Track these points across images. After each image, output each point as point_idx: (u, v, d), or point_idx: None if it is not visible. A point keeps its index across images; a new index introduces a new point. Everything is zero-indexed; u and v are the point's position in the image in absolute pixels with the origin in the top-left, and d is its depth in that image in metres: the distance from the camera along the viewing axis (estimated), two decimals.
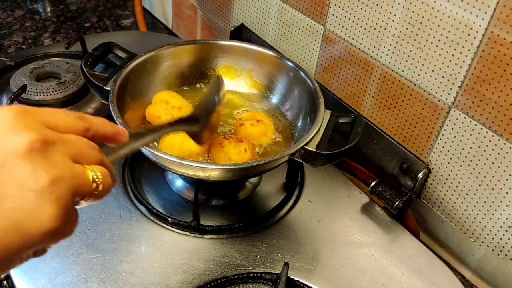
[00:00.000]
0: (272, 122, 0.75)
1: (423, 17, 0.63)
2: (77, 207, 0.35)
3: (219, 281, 0.61)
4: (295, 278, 0.62)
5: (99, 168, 0.35)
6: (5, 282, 0.61)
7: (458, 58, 0.62)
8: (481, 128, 0.62)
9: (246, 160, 0.66)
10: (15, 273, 0.60)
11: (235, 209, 0.73)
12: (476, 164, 0.64)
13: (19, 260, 0.32)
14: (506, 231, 0.64)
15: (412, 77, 0.68)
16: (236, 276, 0.61)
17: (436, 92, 0.66)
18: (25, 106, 0.34)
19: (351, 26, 0.74)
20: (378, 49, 0.71)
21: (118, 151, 0.41)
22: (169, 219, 0.68)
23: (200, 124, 0.60)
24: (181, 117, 0.59)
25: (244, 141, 0.68)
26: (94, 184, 0.34)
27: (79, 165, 0.34)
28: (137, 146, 0.44)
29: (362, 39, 0.73)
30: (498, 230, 0.65)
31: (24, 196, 0.30)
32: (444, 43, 0.62)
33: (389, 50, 0.70)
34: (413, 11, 0.64)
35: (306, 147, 0.63)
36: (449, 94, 0.64)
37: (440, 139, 0.68)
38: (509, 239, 0.64)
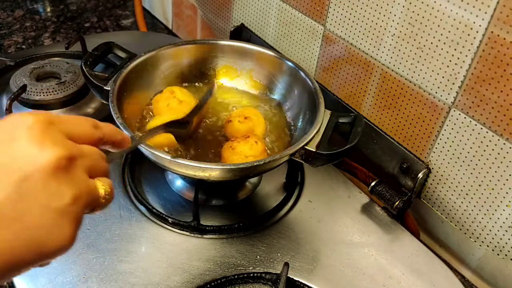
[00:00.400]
0: (263, 118, 0.75)
1: (423, 17, 0.63)
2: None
3: (219, 281, 0.61)
4: (295, 278, 0.62)
5: (107, 181, 0.37)
6: (5, 282, 0.61)
7: (458, 58, 0.62)
8: (481, 128, 0.62)
9: (261, 151, 0.67)
10: None
11: (235, 209, 0.73)
12: (476, 164, 0.64)
13: (27, 270, 0.32)
14: (506, 231, 0.64)
15: (412, 77, 0.68)
16: (236, 276, 0.61)
17: (436, 92, 0.66)
18: (49, 115, 0.34)
19: (351, 26, 0.74)
20: (378, 49, 0.71)
21: (115, 153, 0.42)
22: (169, 219, 0.68)
23: (189, 127, 0.63)
24: (173, 120, 0.61)
25: (250, 136, 0.68)
26: (103, 200, 0.36)
27: (92, 180, 0.35)
28: (130, 148, 0.46)
29: (362, 39, 0.73)
30: (498, 230, 0.65)
31: (47, 214, 0.31)
32: (444, 43, 0.62)
33: (389, 50, 0.70)
34: (413, 11, 0.64)
35: (306, 147, 0.63)
36: (449, 94, 0.64)
37: (440, 139, 0.68)
38: (509, 239, 0.64)
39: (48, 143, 0.32)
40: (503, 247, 0.65)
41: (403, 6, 0.65)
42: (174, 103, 0.72)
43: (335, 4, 0.75)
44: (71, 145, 0.34)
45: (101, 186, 0.36)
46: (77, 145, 0.34)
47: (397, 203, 0.71)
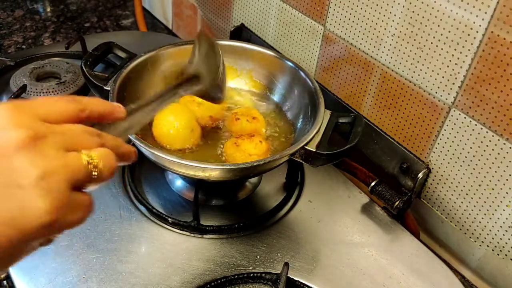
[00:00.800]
0: (265, 120, 0.75)
1: (423, 17, 0.63)
2: (87, 190, 0.35)
3: (219, 281, 0.61)
4: (295, 278, 0.62)
5: (97, 151, 0.35)
6: (5, 282, 0.61)
7: (458, 58, 0.62)
8: (481, 128, 0.62)
9: (265, 151, 0.67)
10: (15, 273, 0.60)
11: (235, 209, 0.73)
12: (476, 164, 0.64)
13: (25, 251, 0.33)
14: (506, 231, 0.64)
15: (412, 77, 0.68)
16: (236, 276, 0.61)
17: (436, 92, 0.66)
18: (17, 102, 0.34)
19: (351, 26, 0.74)
20: (378, 49, 0.71)
21: (124, 128, 0.41)
22: (169, 219, 0.68)
23: (205, 82, 0.58)
24: (178, 81, 0.56)
25: (255, 134, 0.68)
26: (90, 167, 0.34)
27: (73, 152, 0.34)
28: (141, 118, 0.44)
29: (362, 39, 0.73)
30: (498, 230, 0.65)
31: (16, 192, 0.31)
32: (444, 43, 0.62)
33: (389, 50, 0.70)
34: (413, 11, 0.64)
35: (306, 147, 0.63)
36: (449, 94, 0.64)
37: (440, 139, 0.68)
38: (509, 239, 0.64)
39: (11, 127, 0.32)
40: (503, 247, 0.65)
41: (403, 6, 0.65)
42: (194, 107, 0.74)
43: (335, 4, 0.75)
44: (38, 125, 0.33)
45: (86, 156, 0.34)
46: (46, 125, 0.34)
47: (397, 203, 0.71)
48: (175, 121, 0.69)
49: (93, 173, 0.35)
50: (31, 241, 0.32)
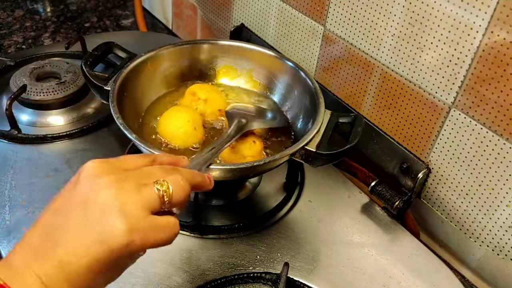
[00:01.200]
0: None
1: (423, 17, 0.63)
2: (175, 212, 0.44)
3: (219, 281, 0.61)
4: (295, 278, 0.62)
5: (168, 179, 0.42)
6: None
7: (458, 58, 0.62)
8: (481, 128, 0.62)
9: (259, 151, 0.67)
10: None
11: (235, 209, 0.73)
12: (476, 164, 0.64)
13: (115, 270, 0.41)
14: (506, 231, 0.64)
15: (412, 77, 0.68)
16: (236, 276, 0.61)
17: (436, 92, 0.66)
18: (104, 159, 0.43)
19: (351, 26, 0.74)
20: (378, 49, 0.71)
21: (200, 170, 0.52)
22: None
23: (253, 119, 0.70)
24: (232, 131, 0.66)
25: (248, 135, 0.68)
26: (161, 192, 0.41)
27: (148, 185, 0.41)
28: (206, 160, 0.56)
29: (362, 39, 0.73)
30: (498, 230, 0.65)
31: (101, 219, 0.39)
32: (444, 43, 0.62)
33: (389, 50, 0.70)
34: (413, 11, 0.64)
35: (306, 147, 0.63)
36: (449, 94, 0.64)
37: (440, 139, 0.68)
38: (509, 239, 0.64)
39: (100, 175, 0.41)
40: (503, 247, 0.65)
41: (403, 6, 0.65)
42: (200, 104, 0.74)
43: (335, 4, 0.75)
44: (121, 171, 0.42)
45: (156, 184, 0.42)
46: (126, 171, 0.42)
47: (397, 203, 0.71)
48: (179, 120, 0.70)
49: (165, 197, 0.42)
50: (117, 259, 0.39)
